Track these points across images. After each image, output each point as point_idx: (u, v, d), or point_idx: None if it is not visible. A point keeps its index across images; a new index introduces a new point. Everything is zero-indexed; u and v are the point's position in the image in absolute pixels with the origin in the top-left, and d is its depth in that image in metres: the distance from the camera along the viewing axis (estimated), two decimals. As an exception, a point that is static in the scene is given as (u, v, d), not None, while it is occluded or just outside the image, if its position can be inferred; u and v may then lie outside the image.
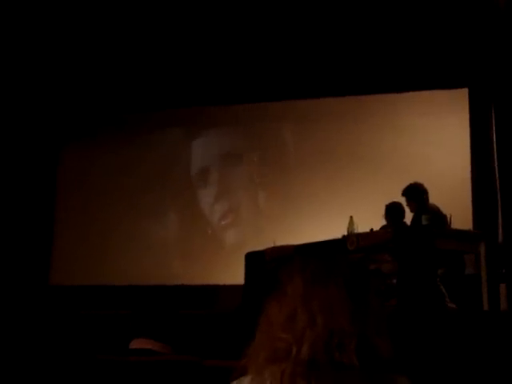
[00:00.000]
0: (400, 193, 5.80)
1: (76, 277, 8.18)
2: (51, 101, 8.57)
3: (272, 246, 6.12)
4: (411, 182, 5.80)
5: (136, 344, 2.38)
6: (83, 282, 8.01)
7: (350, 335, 1.28)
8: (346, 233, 5.59)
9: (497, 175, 7.13)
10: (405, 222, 5.87)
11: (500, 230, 6.93)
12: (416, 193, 5.72)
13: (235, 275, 6.51)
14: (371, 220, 5.74)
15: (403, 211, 5.89)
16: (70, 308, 6.45)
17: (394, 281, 5.14)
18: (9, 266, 8.16)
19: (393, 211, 5.88)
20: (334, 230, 5.65)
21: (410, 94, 7.69)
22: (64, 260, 8.50)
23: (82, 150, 8.85)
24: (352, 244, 5.31)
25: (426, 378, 2.76)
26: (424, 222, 5.28)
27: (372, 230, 5.61)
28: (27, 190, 8.52)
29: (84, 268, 8.27)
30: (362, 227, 5.59)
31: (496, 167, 7.15)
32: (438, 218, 5.50)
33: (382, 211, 5.93)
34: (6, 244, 8.31)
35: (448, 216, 5.54)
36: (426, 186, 5.76)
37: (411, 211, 5.79)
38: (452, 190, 6.96)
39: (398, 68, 7.49)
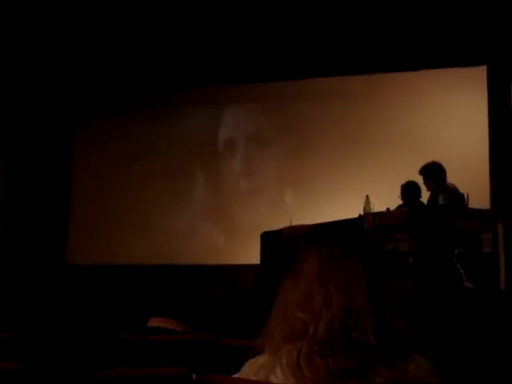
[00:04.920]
0: (417, 172, 5.77)
1: (93, 256, 8.26)
2: (68, 80, 8.57)
3: (288, 225, 6.12)
4: (428, 160, 5.76)
5: (153, 322, 2.41)
6: (100, 262, 8.09)
7: (367, 314, 1.28)
8: (362, 212, 5.58)
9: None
10: (421, 202, 5.84)
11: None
12: (433, 172, 5.68)
13: (252, 255, 6.52)
14: (388, 199, 5.73)
15: (419, 190, 5.86)
16: (88, 287, 6.52)
17: (411, 260, 5.13)
18: (26, 246, 8.27)
19: (409, 190, 5.86)
20: (351, 210, 5.64)
21: (428, 71, 7.58)
22: (81, 239, 8.57)
23: (98, 130, 8.86)
24: (368, 223, 5.30)
25: (443, 356, 2.76)
26: (441, 202, 5.25)
27: (388, 209, 5.59)
28: (43, 171, 8.58)
29: (100, 247, 8.34)
30: (379, 207, 5.58)
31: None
32: (455, 197, 5.47)
33: (399, 191, 5.91)
34: (24, 224, 8.41)
35: (465, 195, 5.50)
36: (444, 164, 5.72)
37: (428, 190, 5.75)
38: (470, 169, 6.90)
39: (415, 46, 7.40)
